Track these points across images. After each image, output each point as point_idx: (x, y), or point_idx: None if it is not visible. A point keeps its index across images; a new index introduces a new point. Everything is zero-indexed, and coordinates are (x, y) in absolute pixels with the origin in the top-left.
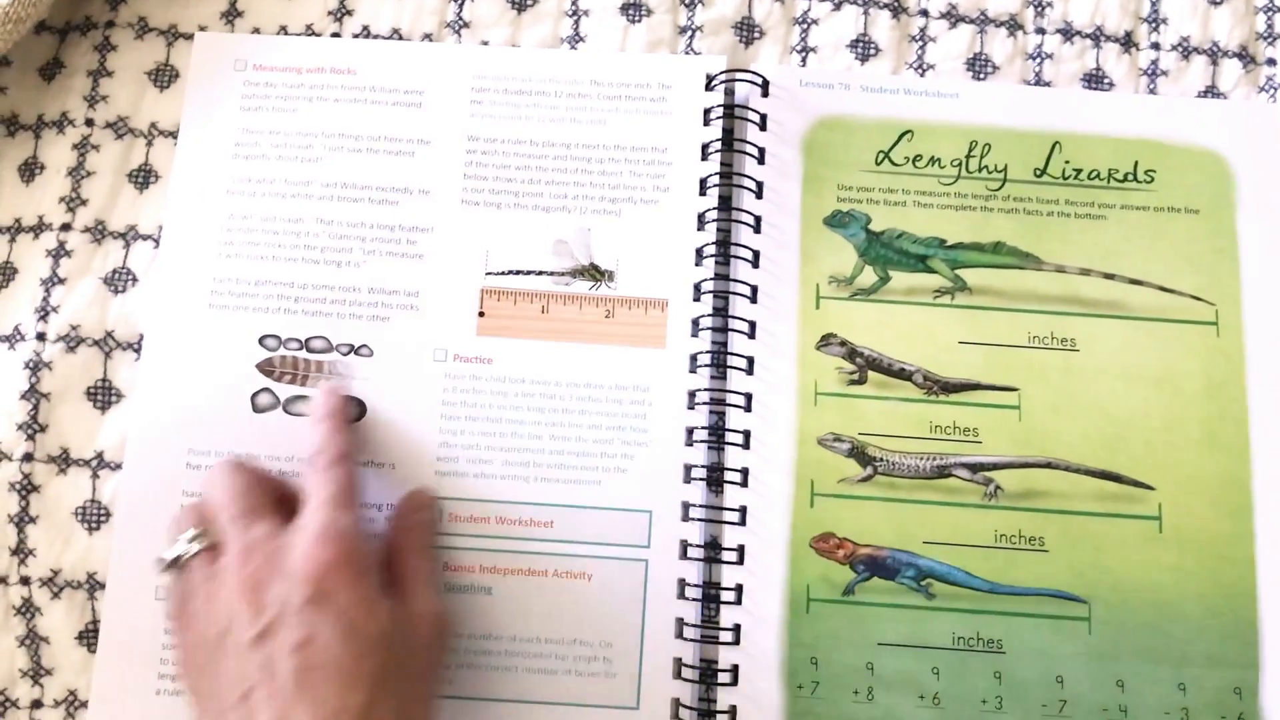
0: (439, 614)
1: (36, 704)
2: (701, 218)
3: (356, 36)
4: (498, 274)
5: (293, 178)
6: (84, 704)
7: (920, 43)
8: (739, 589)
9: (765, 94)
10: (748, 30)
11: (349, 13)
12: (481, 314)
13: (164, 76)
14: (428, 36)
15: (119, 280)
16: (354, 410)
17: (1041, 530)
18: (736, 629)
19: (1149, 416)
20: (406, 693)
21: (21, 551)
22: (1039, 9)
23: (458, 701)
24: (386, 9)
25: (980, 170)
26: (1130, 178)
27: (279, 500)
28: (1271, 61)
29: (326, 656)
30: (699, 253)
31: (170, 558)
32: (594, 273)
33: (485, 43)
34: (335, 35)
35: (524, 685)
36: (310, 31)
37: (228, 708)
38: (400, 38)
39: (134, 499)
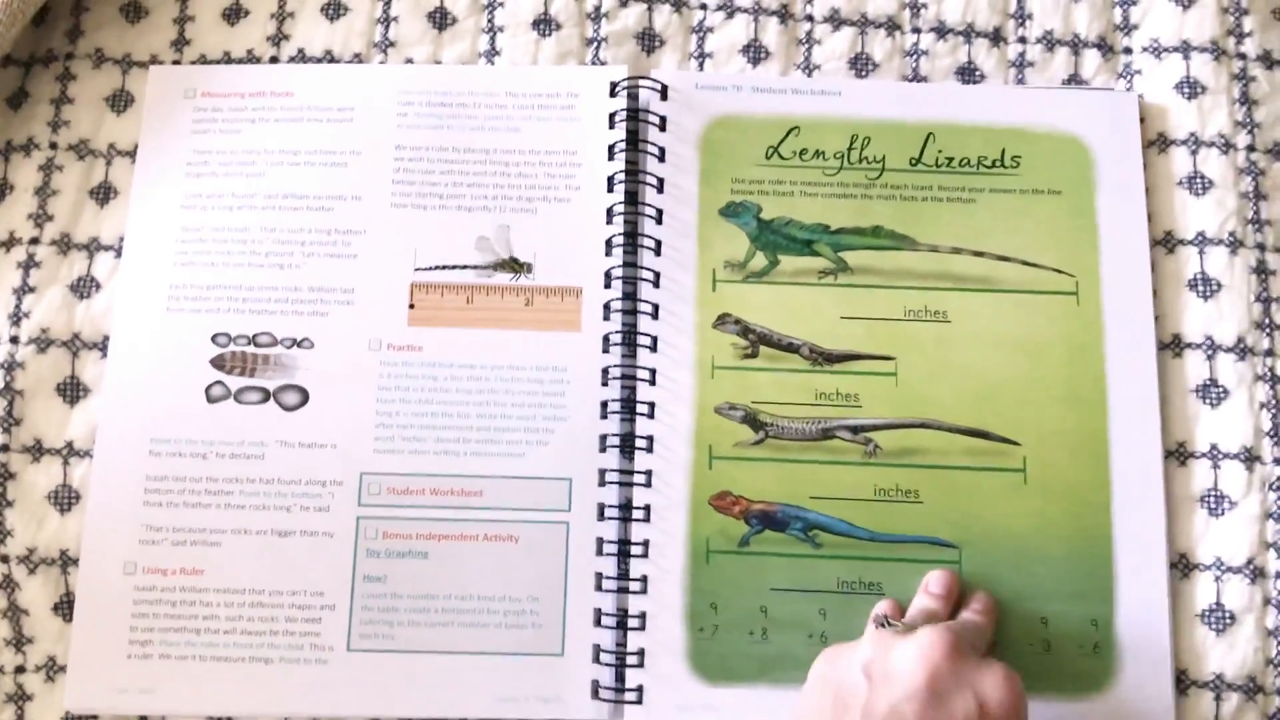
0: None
1: (20, 669)
2: (610, 212)
3: (293, 59)
4: (426, 269)
5: (239, 191)
6: (62, 668)
7: (806, 45)
8: (646, 544)
9: (664, 98)
10: (649, 40)
11: (285, 37)
12: (412, 306)
13: (120, 102)
14: (357, 56)
15: (84, 287)
16: (296, 399)
17: (917, 484)
18: (644, 579)
19: (1015, 379)
20: None
21: (1, 533)
22: (915, 9)
23: (400, 655)
24: (319, 33)
25: (861, 161)
26: (998, 164)
27: None
28: (1128, 50)
29: None
30: (608, 244)
31: (889, 620)
32: (514, 265)
33: (410, 60)
34: (274, 59)
35: (461, 638)
36: (251, 56)
37: None
38: (333, 58)
39: (103, 483)
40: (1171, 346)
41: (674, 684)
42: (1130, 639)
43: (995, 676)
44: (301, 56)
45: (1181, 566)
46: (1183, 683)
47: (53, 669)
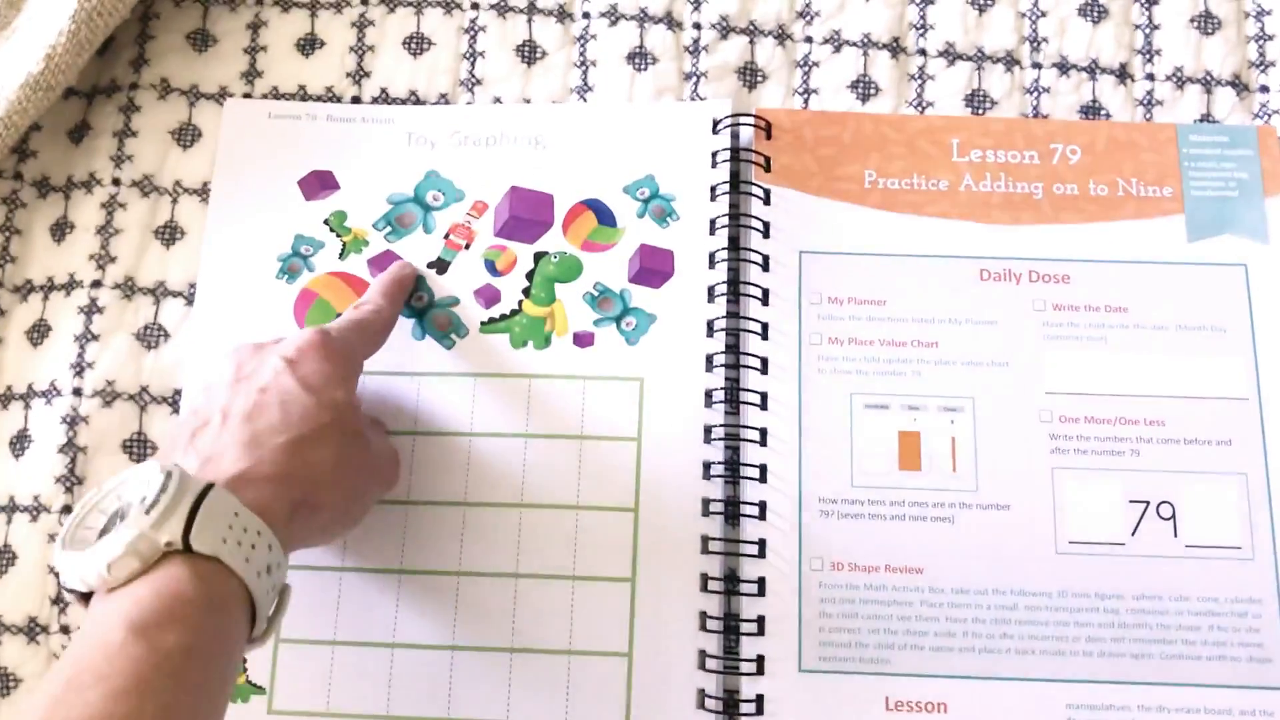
0: (391, 453)
1: None
2: (712, 258)
3: (375, 100)
4: None
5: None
6: None
7: (919, 80)
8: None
9: (769, 136)
10: (751, 74)
11: (367, 74)
12: None
13: (187, 136)
14: (443, 96)
15: (151, 336)
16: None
17: None
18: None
19: None
20: (338, 480)
21: (61, 601)
22: (1035, 44)
23: None
24: (402, 70)
25: None
26: None
27: None
28: (1264, 89)
29: (283, 398)
30: (710, 291)
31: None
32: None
33: (498, 99)
34: (356, 100)
35: None
36: (330, 94)
37: (179, 446)
38: (417, 99)
39: None
40: None
41: None
42: None
43: (301, 334)
44: (385, 96)
45: None
46: None
47: None
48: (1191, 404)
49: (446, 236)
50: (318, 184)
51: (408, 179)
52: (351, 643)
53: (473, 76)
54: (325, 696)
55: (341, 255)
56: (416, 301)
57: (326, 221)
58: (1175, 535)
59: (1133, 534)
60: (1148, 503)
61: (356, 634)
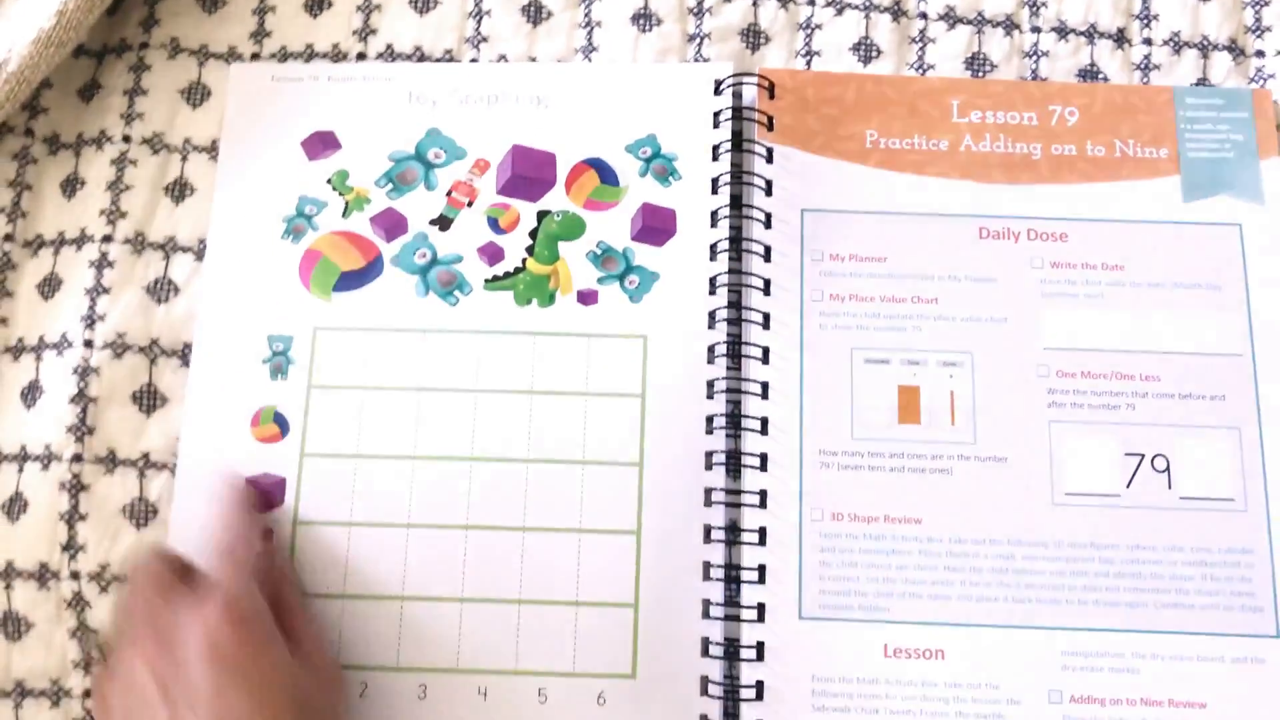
0: (334, 664)
1: (89, 694)
2: (714, 216)
3: (381, 56)
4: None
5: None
6: None
7: (920, 44)
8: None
9: (772, 96)
10: (753, 36)
11: (373, 32)
12: None
13: (196, 94)
14: (448, 53)
15: (161, 290)
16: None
17: None
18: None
19: None
20: None
21: (72, 547)
22: (1034, 8)
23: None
24: (408, 26)
25: None
26: None
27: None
28: (1260, 54)
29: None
30: (712, 249)
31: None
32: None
33: (503, 57)
34: (361, 56)
35: None
36: (337, 51)
37: None
38: (423, 55)
39: (187, 497)
40: None
41: None
42: None
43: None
44: (390, 52)
45: None
46: None
47: None
48: (1186, 360)
49: (449, 194)
50: (320, 144)
51: (409, 137)
52: (361, 596)
53: (478, 34)
54: (335, 649)
55: (345, 214)
56: (420, 259)
57: (329, 181)
58: (1170, 487)
59: (1128, 486)
60: (1143, 455)
61: (366, 587)
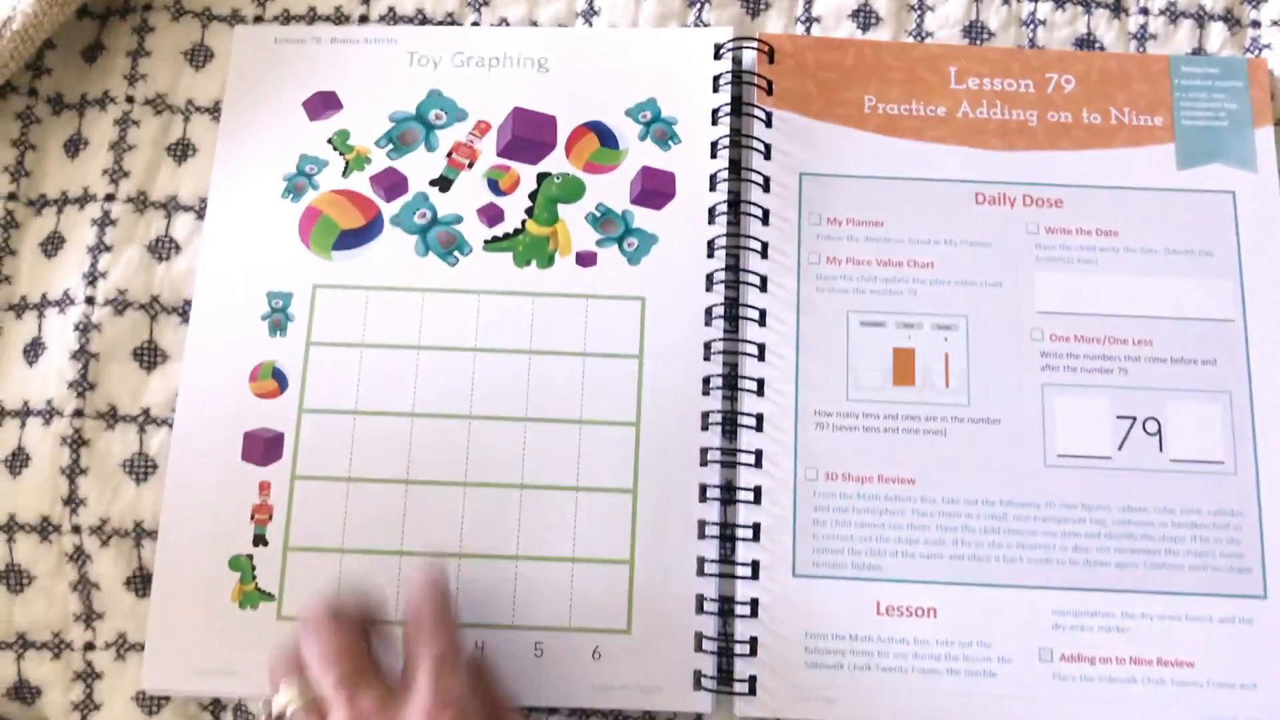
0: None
1: (89, 646)
2: (713, 179)
3: (383, 19)
4: None
5: None
6: (133, 646)
7: (919, 11)
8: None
9: (771, 61)
10: (754, 1)
11: None
12: None
13: (199, 56)
14: (450, 16)
15: (162, 248)
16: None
17: None
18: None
19: None
20: None
21: (73, 501)
22: None
23: None
24: None
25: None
26: None
27: (375, 657)
28: (1255, 24)
29: None
30: (711, 212)
31: (275, 711)
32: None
33: (504, 20)
34: (364, 19)
35: None
36: (339, 14)
37: None
38: (424, 19)
39: (185, 454)
40: None
41: None
42: None
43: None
44: (392, 15)
45: None
46: None
47: (123, 646)
48: (1178, 325)
49: (449, 155)
50: (321, 104)
51: (410, 98)
52: (359, 550)
53: None
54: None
55: (345, 173)
56: (419, 218)
57: (330, 140)
58: (1161, 450)
59: (1119, 448)
60: (1134, 418)
61: (364, 542)
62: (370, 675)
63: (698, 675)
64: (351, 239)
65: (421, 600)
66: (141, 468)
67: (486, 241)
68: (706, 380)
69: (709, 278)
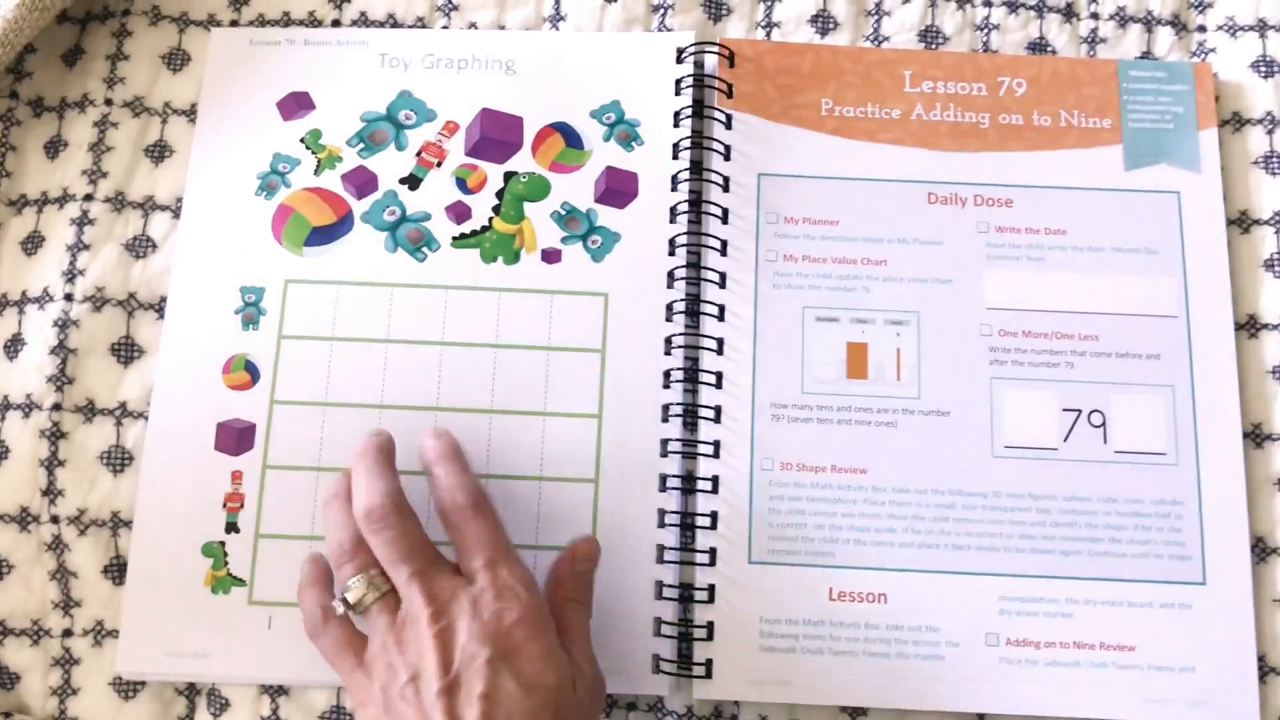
0: (601, 681)
1: (67, 633)
2: (674, 180)
3: (355, 23)
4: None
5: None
6: (110, 633)
7: (876, 17)
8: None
9: (732, 64)
10: (716, 7)
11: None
12: None
13: (177, 60)
14: (420, 20)
15: (139, 246)
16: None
17: None
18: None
19: None
20: None
21: (51, 492)
22: None
23: None
24: None
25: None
26: None
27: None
28: (1202, 29)
29: (508, 708)
30: (673, 211)
31: (353, 600)
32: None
33: (473, 25)
34: (336, 22)
35: None
36: (312, 18)
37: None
38: (395, 23)
39: (160, 444)
40: (1247, 327)
41: None
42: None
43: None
44: (364, 19)
45: (1259, 550)
46: (1264, 669)
47: (100, 633)
48: (1124, 320)
49: (418, 154)
50: (295, 104)
51: (381, 98)
52: None
53: (449, 3)
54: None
55: (316, 171)
56: (389, 216)
57: (302, 140)
58: (1105, 442)
59: (1065, 440)
60: (1080, 411)
61: None
62: (441, 565)
63: (656, 659)
64: (322, 235)
65: (449, 481)
66: (118, 459)
67: (454, 238)
68: (667, 374)
69: (670, 274)
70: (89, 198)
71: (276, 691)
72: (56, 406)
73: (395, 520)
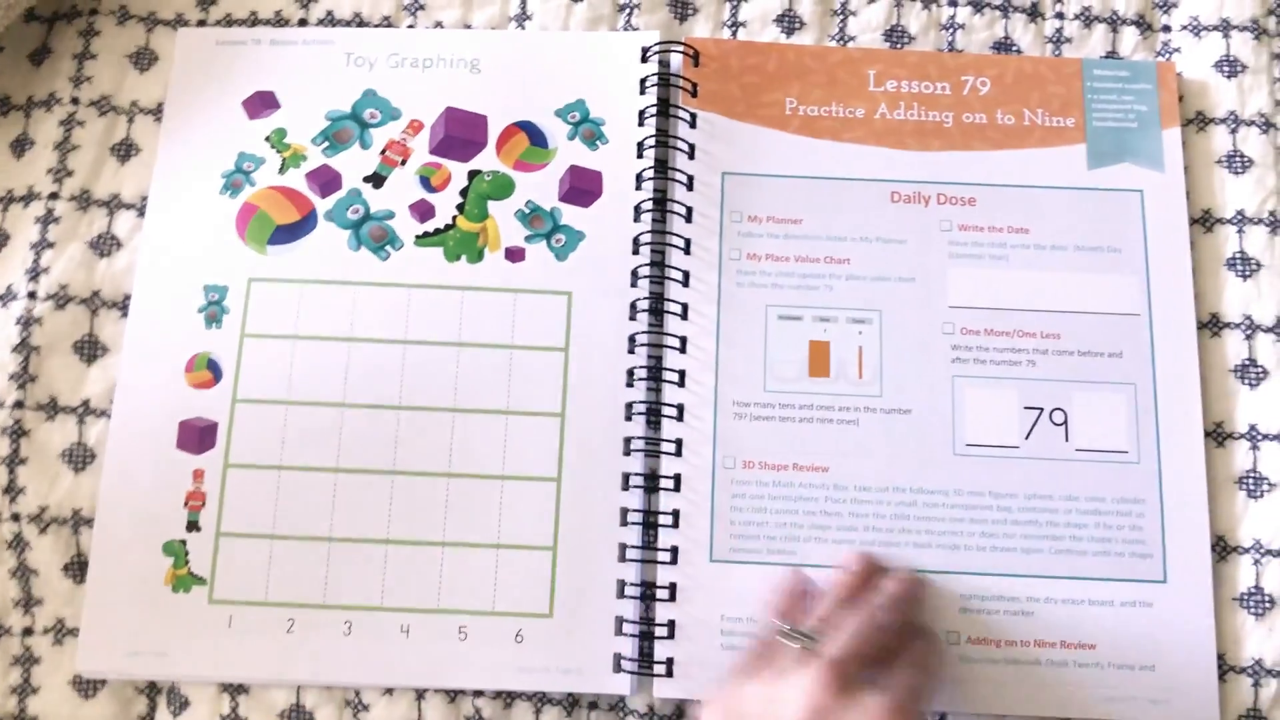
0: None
1: (28, 631)
2: (639, 178)
3: (321, 22)
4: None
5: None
6: (71, 631)
7: (841, 16)
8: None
9: (697, 64)
10: (681, 7)
11: None
12: None
13: (144, 59)
14: (386, 19)
15: (104, 245)
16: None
17: None
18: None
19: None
20: None
21: (12, 490)
22: None
23: None
24: None
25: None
26: None
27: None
28: (1166, 28)
29: None
30: (636, 209)
31: (796, 632)
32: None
33: (439, 24)
34: (303, 22)
35: None
36: (279, 18)
37: None
38: (361, 22)
39: (122, 442)
40: (1209, 326)
41: None
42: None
43: (872, 713)
44: (330, 19)
45: (1220, 549)
46: (1223, 667)
47: (61, 631)
48: (1086, 319)
49: (383, 153)
50: (260, 103)
51: (346, 97)
52: (289, 536)
53: (416, 1)
54: (264, 588)
55: (281, 170)
56: (353, 214)
57: (267, 139)
58: (1066, 440)
59: (1026, 438)
60: (1041, 409)
61: (294, 528)
62: (871, 663)
63: (618, 658)
64: (286, 234)
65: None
66: (80, 457)
67: (418, 237)
68: (630, 372)
69: (634, 273)
70: (54, 196)
71: (236, 690)
72: (19, 404)
73: (855, 616)
